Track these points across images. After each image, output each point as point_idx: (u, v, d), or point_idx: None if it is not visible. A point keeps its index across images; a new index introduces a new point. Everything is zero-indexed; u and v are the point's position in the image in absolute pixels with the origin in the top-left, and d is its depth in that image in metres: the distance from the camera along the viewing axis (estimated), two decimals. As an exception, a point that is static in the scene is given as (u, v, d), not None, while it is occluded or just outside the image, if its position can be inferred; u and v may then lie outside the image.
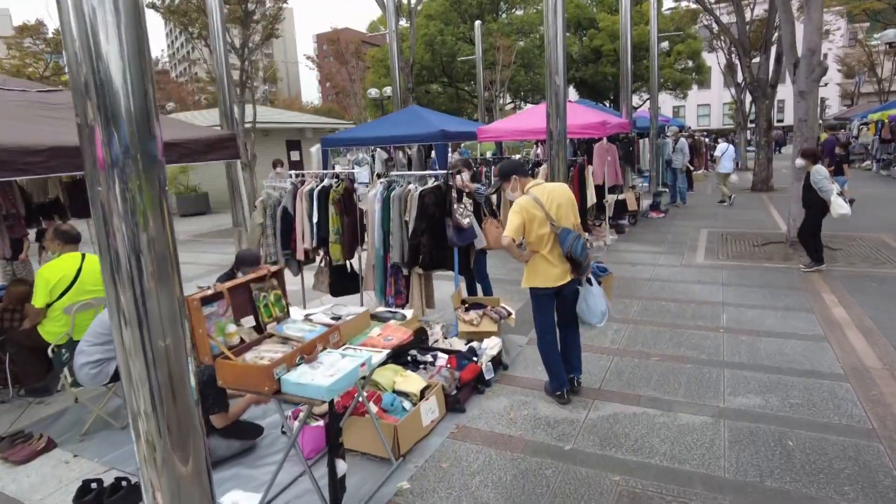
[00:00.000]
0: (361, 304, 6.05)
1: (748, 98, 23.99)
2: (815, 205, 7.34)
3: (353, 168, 11.69)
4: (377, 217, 5.48)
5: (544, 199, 3.99)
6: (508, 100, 35.87)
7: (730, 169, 13.90)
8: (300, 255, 6.08)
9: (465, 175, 5.88)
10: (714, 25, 23.46)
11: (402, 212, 5.31)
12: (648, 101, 20.17)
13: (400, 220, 5.33)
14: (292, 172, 6.83)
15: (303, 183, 6.16)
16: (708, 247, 9.35)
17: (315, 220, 5.86)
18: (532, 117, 10.25)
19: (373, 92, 26.33)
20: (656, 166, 16.12)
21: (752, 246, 9.19)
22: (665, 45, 35.59)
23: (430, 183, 5.36)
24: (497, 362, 4.81)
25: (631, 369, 4.73)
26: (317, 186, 5.87)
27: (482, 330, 5.21)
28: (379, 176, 11.74)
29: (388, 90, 25.95)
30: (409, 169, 11.38)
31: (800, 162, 7.67)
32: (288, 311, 3.39)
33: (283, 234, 6.07)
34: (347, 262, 6.04)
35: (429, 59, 34.28)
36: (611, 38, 33.35)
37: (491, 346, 4.88)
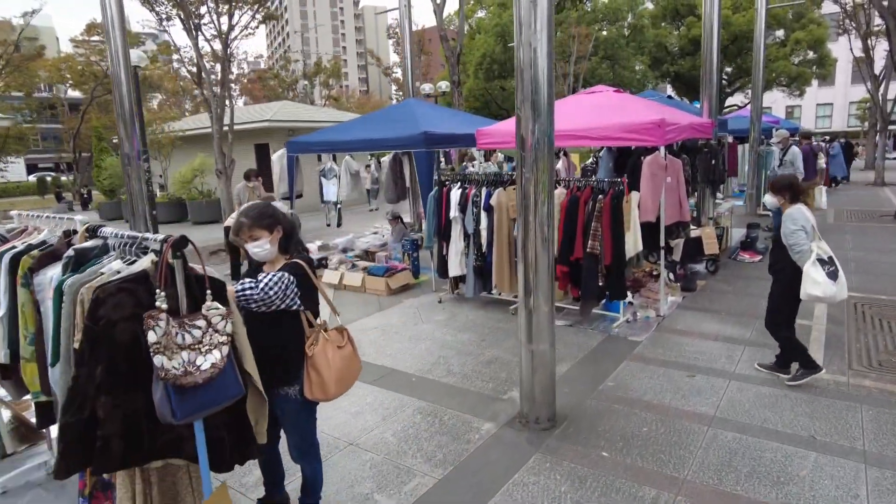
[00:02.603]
0: None
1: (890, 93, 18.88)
2: (787, 274, 4.47)
3: (320, 180, 8.85)
4: (50, 323, 2.51)
5: None
6: (588, 97, 31.90)
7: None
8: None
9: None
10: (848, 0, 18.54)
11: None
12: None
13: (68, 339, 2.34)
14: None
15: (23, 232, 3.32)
16: (833, 336, 5.61)
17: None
18: (563, 113, 6.91)
19: (426, 87, 23.48)
20: (756, 183, 12.12)
21: (915, 337, 5.37)
22: (780, 32, 30.28)
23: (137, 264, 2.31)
24: None
25: None
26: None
27: None
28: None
29: (442, 85, 23.13)
30: (378, 185, 8.36)
31: (770, 200, 4.74)
32: None
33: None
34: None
35: (500, 51, 31.09)
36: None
37: None
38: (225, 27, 11.60)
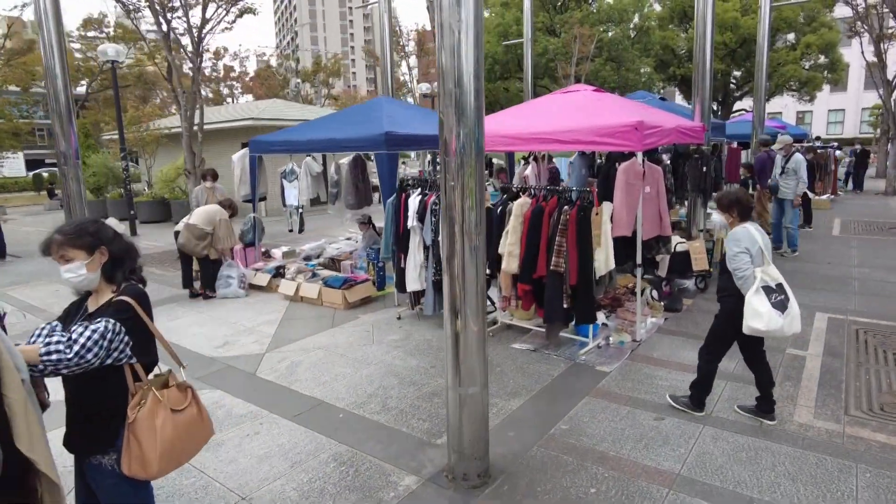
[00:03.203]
0: None
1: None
2: (729, 302, 3.98)
3: (282, 182, 8.24)
4: None
5: None
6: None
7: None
8: None
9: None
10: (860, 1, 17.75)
11: None
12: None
13: None
14: None
15: None
16: (829, 370, 4.93)
17: None
18: (533, 114, 6.27)
19: (423, 87, 22.92)
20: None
21: (923, 374, 4.68)
22: (791, 36, 29.45)
23: None
24: None
25: None
26: None
27: None
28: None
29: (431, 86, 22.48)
30: (338, 189, 7.73)
31: (717, 217, 4.61)
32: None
33: None
34: None
35: (502, 52, 30.51)
36: (721, 29, 27.80)
37: None
38: (197, 20, 11.04)
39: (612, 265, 5.26)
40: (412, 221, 5.99)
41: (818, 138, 26.30)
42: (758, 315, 3.66)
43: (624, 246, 5.48)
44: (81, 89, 33.75)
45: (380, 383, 4.86)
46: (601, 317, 5.76)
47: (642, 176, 5.30)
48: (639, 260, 5.41)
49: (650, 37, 29.78)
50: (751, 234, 3.82)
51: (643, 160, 5.33)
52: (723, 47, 28.09)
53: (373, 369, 5.17)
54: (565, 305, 5.04)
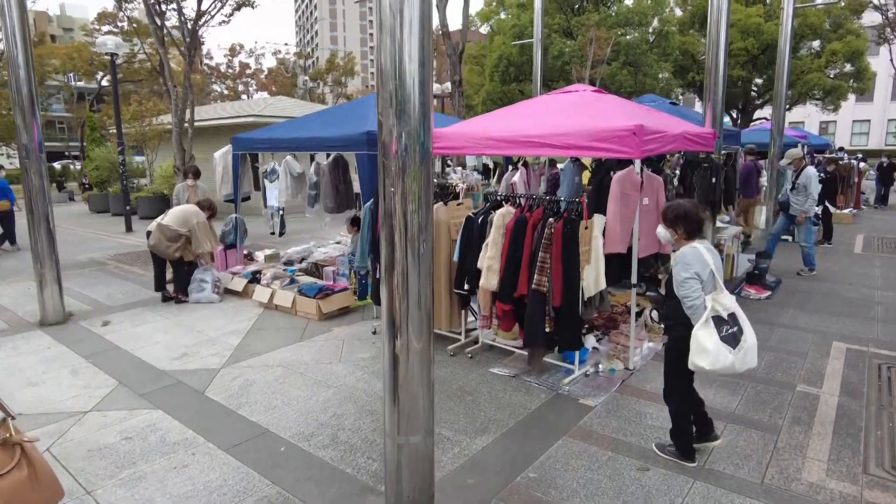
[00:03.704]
0: None
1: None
2: (678, 332, 3.47)
3: (263, 183, 7.79)
4: None
5: None
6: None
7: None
8: None
9: None
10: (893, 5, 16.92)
11: None
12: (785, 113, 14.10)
13: None
14: None
15: None
16: (846, 414, 4.33)
17: None
18: (525, 115, 5.74)
19: (434, 87, 22.39)
20: (774, 204, 10.75)
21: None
22: (816, 43, 28.53)
23: None
24: None
25: None
26: None
27: None
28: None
29: (450, 86, 21.99)
30: (317, 191, 7.25)
31: (662, 233, 3.61)
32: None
33: None
34: None
35: (517, 53, 30.02)
36: (743, 34, 27.03)
37: None
38: (192, 13, 10.65)
39: (603, 285, 4.71)
40: (388, 229, 5.48)
41: (841, 149, 25.39)
42: (703, 352, 3.18)
43: (618, 264, 4.94)
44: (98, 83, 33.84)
45: (335, 410, 4.36)
46: (591, 340, 5.21)
47: (640, 186, 4.74)
48: (634, 279, 4.85)
49: (669, 41, 29.08)
50: (701, 256, 3.29)
51: (641, 169, 4.78)
52: (744, 53, 27.29)
53: (331, 393, 4.66)
54: (547, 329, 4.50)
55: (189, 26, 10.66)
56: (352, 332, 6.14)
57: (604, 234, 4.67)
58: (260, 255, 8.70)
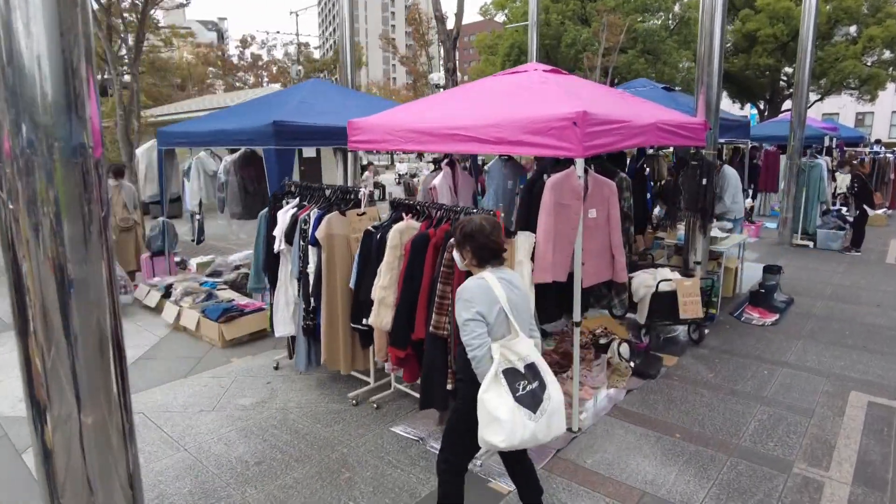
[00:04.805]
0: None
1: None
2: (464, 388, 2.66)
3: (182, 182, 6.77)
4: None
5: None
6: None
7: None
8: None
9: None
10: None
11: None
12: (816, 103, 12.31)
13: None
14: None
15: None
16: (857, 509, 3.10)
17: None
18: (461, 101, 4.57)
19: (434, 77, 21.28)
20: (794, 204, 9.45)
21: None
22: (853, 29, 26.51)
23: None
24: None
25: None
26: None
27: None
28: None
29: (434, 77, 20.80)
30: (244, 193, 6.18)
31: (455, 256, 2.81)
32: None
33: None
34: None
35: (528, 42, 28.62)
36: (771, 20, 25.21)
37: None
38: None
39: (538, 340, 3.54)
40: (279, 244, 4.40)
41: (878, 142, 23.51)
42: (494, 422, 2.36)
43: (557, 296, 3.76)
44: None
45: (163, 489, 3.29)
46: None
47: (583, 194, 3.54)
48: (576, 317, 3.65)
49: (691, 28, 27.35)
50: (487, 291, 2.47)
51: (585, 170, 3.59)
52: (773, 40, 25.45)
53: (176, 459, 3.60)
54: (450, 387, 3.36)
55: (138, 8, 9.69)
56: (251, 366, 5.08)
57: (532, 258, 3.50)
58: (193, 263, 7.70)
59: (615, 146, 3.79)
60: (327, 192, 4.36)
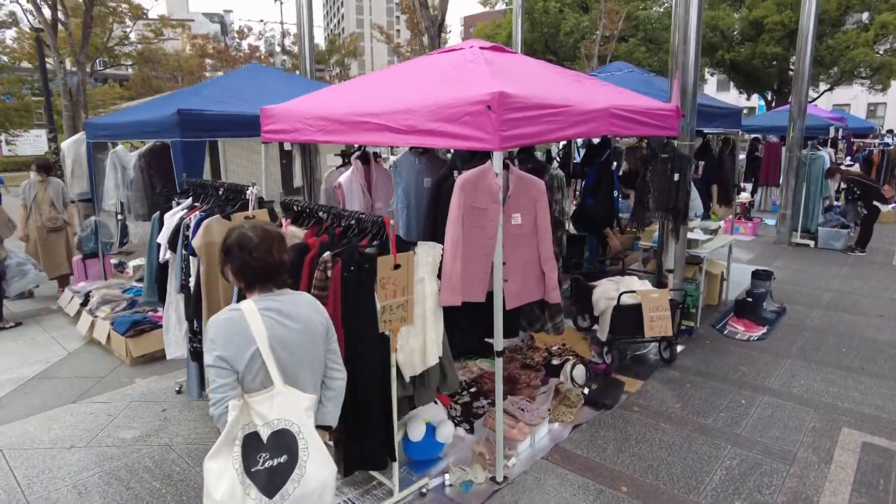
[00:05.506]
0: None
1: None
2: None
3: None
4: None
5: None
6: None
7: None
8: None
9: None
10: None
11: None
12: (825, 93, 11.32)
13: None
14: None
15: None
16: None
17: None
18: (380, 85, 3.89)
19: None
20: (794, 200, 8.72)
21: None
22: (864, 15, 25.43)
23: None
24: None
25: None
26: None
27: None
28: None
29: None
30: (150, 191, 5.54)
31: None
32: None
33: None
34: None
35: (527, 30, 27.84)
36: (779, 7, 24.19)
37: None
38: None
39: (435, 360, 2.86)
40: (164, 252, 3.75)
41: (890, 132, 22.55)
42: (208, 501, 1.75)
43: (475, 320, 3.08)
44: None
45: (-30, 565, 2.67)
46: (448, 429, 3.35)
47: (501, 196, 2.85)
48: (498, 346, 2.97)
49: (695, 15, 26.36)
50: (239, 326, 1.81)
51: (506, 166, 2.90)
52: (780, 28, 24.41)
53: (9, 517, 2.98)
54: (328, 440, 2.70)
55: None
56: (153, 390, 4.45)
57: (439, 275, 2.82)
58: (132, 265, 7.08)
59: (548, 136, 3.10)
60: (220, 192, 3.70)
